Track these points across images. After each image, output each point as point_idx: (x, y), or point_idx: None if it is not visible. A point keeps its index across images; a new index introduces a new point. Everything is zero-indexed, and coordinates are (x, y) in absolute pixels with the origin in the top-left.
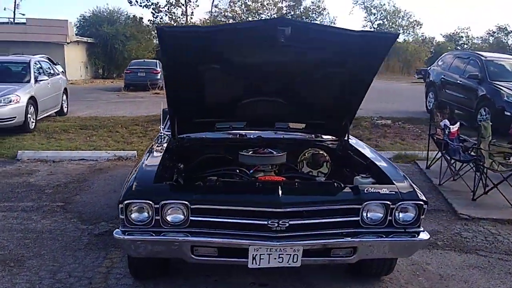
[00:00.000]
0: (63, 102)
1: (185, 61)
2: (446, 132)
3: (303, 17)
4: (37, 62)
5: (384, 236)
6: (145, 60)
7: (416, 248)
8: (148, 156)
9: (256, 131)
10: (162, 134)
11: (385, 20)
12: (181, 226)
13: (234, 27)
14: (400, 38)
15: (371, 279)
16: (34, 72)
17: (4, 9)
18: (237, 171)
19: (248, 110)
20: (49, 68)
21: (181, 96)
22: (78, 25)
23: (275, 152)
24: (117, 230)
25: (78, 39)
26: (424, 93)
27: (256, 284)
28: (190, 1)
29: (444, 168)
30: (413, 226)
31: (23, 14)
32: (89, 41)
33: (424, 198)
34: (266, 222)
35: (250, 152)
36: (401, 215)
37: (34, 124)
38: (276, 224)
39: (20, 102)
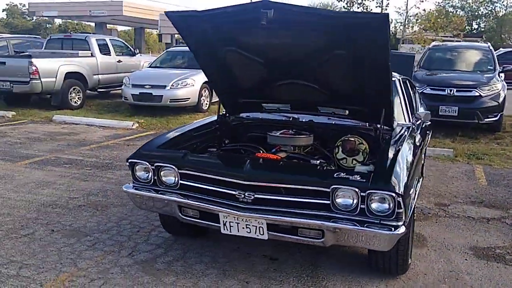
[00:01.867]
0: None
1: (200, 43)
2: None
3: None
4: None
5: (351, 223)
6: None
7: (388, 242)
8: (185, 126)
9: (308, 115)
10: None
11: None
12: (173, 188)
13: (223, 11)
14: None
15: (387, 277)
16: None
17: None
18: (252, 148)
19: (281, 93)
20: None
21: (215, 77)
22: None
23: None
24: (127, 184)
25: None
26: None
27: (267, 257)
28: None
29: None
30: (388, 218)
31: None
32: None
33: (399, 191)
34: (234, 193)
35: (278, 133)
36: (374, 205)
37: (207, 105)
38: (243, 196)
39: (195, 85)
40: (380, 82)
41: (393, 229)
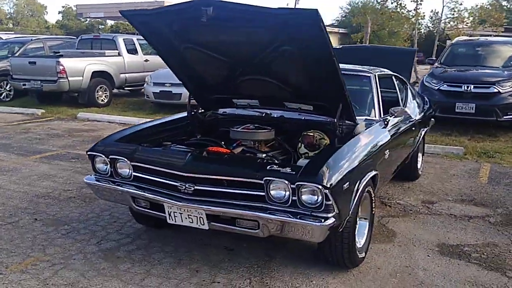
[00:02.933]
0: None
1: (159, 42)
2: None
3: None
4: None
5: (283, 215)
6: None
7: (318, 233)
8: (154, 121)
9: (280, 111)
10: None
11: None
12: (127, 180)
13: (169, 9)
14: None
15: (338, 270)
16: None
17: (287, 4)
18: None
19: (247, 89)
20: None
21: (181, 74)
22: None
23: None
24: (89, 176)
25: (329, 30)
26: None
27: (225, 248)
28: None
29: None
30: (318, 210)
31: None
32: (340, 31)
33: (326, 184)
34: (177, 184)
35: (239, 128)
36: (304, 196)
37: None
38: (184, 187)
39: None
40: (330, 77)
41: (322, 220)
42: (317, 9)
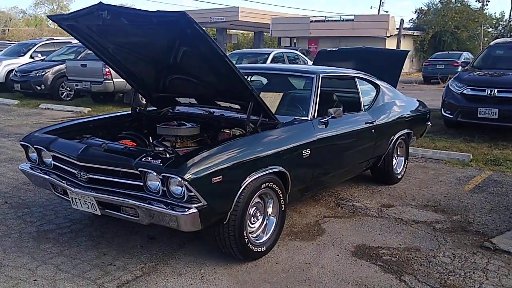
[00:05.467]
0: None
1: (89, 43)
2: None
3: None
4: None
5: (155, 204)
6: (449, 52)
7: (182, 223)
8: (98, 116)
9: (220, 110)
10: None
11: None
12: (50, 168)
13: (78, 14)
14: None
15: (233, 261)
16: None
17: (371, 7)
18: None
19: (178, 88)
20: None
21: (120, 73)
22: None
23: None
24: (24, 164)
25: (404, 33)
26: None
27: (149, 236)
28: None
29: None
30: (182, 200)
31: (386, 12)
32: (415, 34)
33: (186, 176)
34: (76, 172)
35: (163, 125)
36: (172, 187)
37: None
38: (80, 175)
39: None
40: (230, 76)
41: (186, 210)
42: (184, 12)
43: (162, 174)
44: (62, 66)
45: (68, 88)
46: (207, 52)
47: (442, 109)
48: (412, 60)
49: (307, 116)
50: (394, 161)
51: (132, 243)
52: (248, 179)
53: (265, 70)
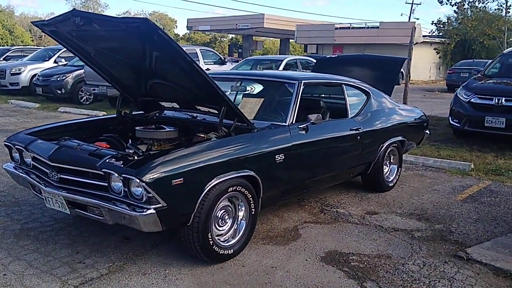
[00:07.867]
0: None
1: (72, 48)
2: None
3: None
4: None
5: (118, 204)
6: (474, 60)
7: (141, 223)
8: (84, 118)
9: (203, 115)
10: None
11: None
12: (29, 168)
13: (56, 19)
14: None
15: (200, 263)
16: None
17: (401, 14)
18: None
19: (159, 92)
20: None
21: (106, 78)
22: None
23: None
24: (8, 163)
25: (429, 40)
26: None
27: (125, 237)
28: None
29: None
30: (141, 201)
31: (417, 19)
32: (441, 41)
33: (144, 177)
34: (48, 172)
35: (141, 128)
36: (133, 188)
37: None
38: (51, 175)
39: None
40: (200, 81)
41: (144, 211)
42: (147, 18)
43: (123, 175)
44: (82, 71)
45: (86, 92)
46: (175, 58)
47: (450, 117)
48: (439, 68)
49: (285, 122)
50: (386, 168)
51: (106, 243)
52: (213, 182)
53: (247, 76)
